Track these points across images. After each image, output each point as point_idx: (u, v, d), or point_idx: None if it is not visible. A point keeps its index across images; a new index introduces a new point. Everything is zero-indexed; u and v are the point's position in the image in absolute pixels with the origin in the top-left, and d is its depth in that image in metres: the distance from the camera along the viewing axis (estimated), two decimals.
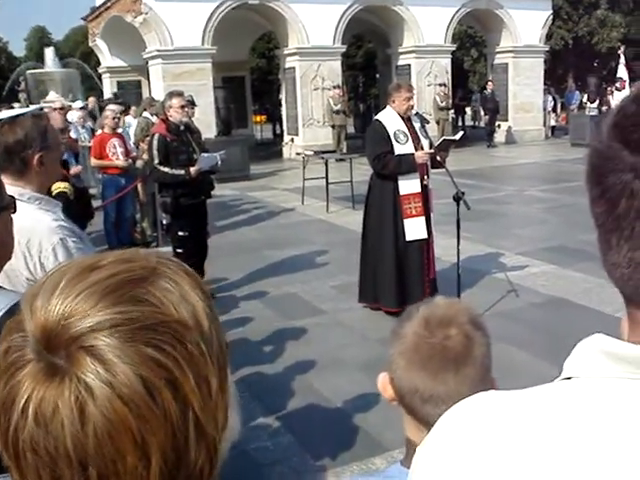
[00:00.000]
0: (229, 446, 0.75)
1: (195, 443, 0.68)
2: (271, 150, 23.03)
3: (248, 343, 6.04)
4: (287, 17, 20.41)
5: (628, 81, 22.01)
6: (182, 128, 7.07)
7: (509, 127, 24.54)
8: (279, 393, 5.05)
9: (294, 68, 21.00)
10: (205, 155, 7.03)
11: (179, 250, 6.94)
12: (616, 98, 20.99)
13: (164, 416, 0.65)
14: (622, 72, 21.83)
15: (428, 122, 7.37)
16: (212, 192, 7.53)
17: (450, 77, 23.33)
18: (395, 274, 6.50)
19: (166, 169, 6.89)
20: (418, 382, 1.31)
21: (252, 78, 29.45)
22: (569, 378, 0.73)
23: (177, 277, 0.72)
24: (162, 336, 0.66)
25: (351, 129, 26.31)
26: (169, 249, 7.14)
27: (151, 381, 0.65)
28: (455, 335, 1.32)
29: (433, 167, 6.58)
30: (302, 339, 6.14)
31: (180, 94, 7.16)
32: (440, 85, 22.37)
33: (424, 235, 6.50)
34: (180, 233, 7.05)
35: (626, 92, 20.68)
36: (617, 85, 21.72)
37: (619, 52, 23.19)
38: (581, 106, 25.71)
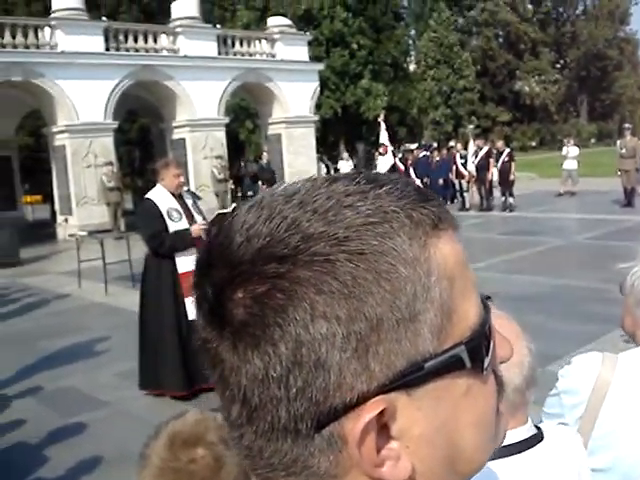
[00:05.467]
0: None
1: None
2: (45, 232, 21.82)
3: (24, 447, 5.48)
4: (53, 94, 19.71)
5: (390, 146, 23.50)
6: None
7: None
8: None
9: (64, 145, 20.24)
10: None
11: None
12: (380, 162, 22.36)
13: None
14: (384, 138, 23.24)
15: (200, 198, 7.31)
16: None
17: (226, 149, 23.64)
18: (179, 356, 6.24)
19: None
20: None
21: (21, 157, 28.04)
22: None
23: None
24: None
25: (130, 205, 25.71)
26: None
27: None
28: (201, 458, 1.17)
29: None
30: (84, 436, 5.69)
31: None
32: (217, 158, 22.58)
33: None
34: None
35: (389, 156, 22.14)
36: (380, 150, 23.06)
37: (379, 119, 24.69)
38: None
